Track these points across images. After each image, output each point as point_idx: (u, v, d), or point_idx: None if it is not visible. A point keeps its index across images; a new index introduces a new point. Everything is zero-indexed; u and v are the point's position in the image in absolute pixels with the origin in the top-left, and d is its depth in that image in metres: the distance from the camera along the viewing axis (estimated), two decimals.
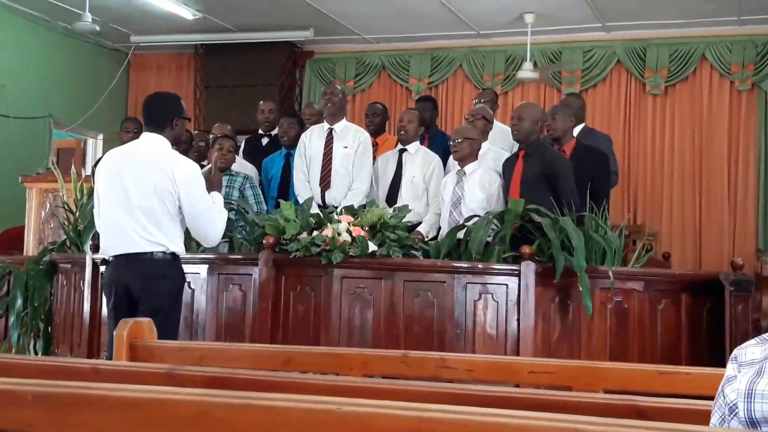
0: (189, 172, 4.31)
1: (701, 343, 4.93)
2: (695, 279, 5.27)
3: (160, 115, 4.37)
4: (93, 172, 6.44)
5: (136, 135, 7.10)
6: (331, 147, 6.27)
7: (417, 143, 6.31)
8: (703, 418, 1.87)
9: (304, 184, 6.27)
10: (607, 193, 5.77)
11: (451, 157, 5.93)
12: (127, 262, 4.26)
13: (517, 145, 6.52)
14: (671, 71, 9.34)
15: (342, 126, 6.36)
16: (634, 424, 1.29)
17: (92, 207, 4.90)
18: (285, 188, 6.55)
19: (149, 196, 4.20)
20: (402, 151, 6.29)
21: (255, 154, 7.09)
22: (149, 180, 4.21)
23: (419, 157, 6.23)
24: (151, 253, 4.23)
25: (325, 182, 6.24)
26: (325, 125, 6.39)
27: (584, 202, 5.06)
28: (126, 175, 4.26)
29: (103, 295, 4.63)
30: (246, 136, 7.84)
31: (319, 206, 5.89)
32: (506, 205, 5.31)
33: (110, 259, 4.35)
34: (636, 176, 9.43)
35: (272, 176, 6.72)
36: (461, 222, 5.36)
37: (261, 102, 7.59)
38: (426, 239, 5.70)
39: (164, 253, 4.25)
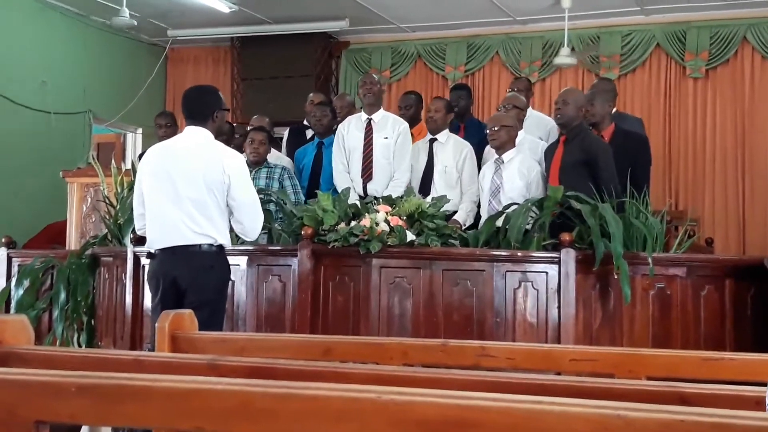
0: (238, 162, 4.40)
1: (746, 328, 4.87)
2: (739, 264, 5.20)
3: (201, 108, 4.40)
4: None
5: (170, 129, 7.22)
6: (371, 138, 6.21)
7: (447, 131, 6.26)
8: (749, 404, 1.84)
9: (344, 176, 6.20)
10: (648, 178, 5.69)
11: (487, 146, 5.89)
12: (174, 254, 4.27)
13: (552, 132, 6.50)
14: (712, 54, 9.18)
15: (380, 116, 6.29)
16: (678, 411, 1.27)
17: (131, 201, 4.94)
18: (316, 178, 6.50)
19: (199, 187, 4.23)
20: (432, 140, 6.24)
21: (298, 146, 7.01)
22: (198, 171, 4.24)
23: (450, 146, 6.19)
24: (199, 245, 4.26)
25: (366, 174, 6.17)
26: (363, 116, 6.32)
27: (624, 187, 5.01)
28: (173, 168, 4.29)
29: (149, 288, 4.65)
30: (286, 127, 7.81)
31: (360, 197, 5.87)
32: (546, 192, 5.26)
33: (156, 252, 4.36)
34: (677, 161, 9.30)
35: (304, 166, 6.66)
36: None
37: (311, 94, 7.54)
38: (463, 227, 5.67)
39: (211, 245, 4.28)
